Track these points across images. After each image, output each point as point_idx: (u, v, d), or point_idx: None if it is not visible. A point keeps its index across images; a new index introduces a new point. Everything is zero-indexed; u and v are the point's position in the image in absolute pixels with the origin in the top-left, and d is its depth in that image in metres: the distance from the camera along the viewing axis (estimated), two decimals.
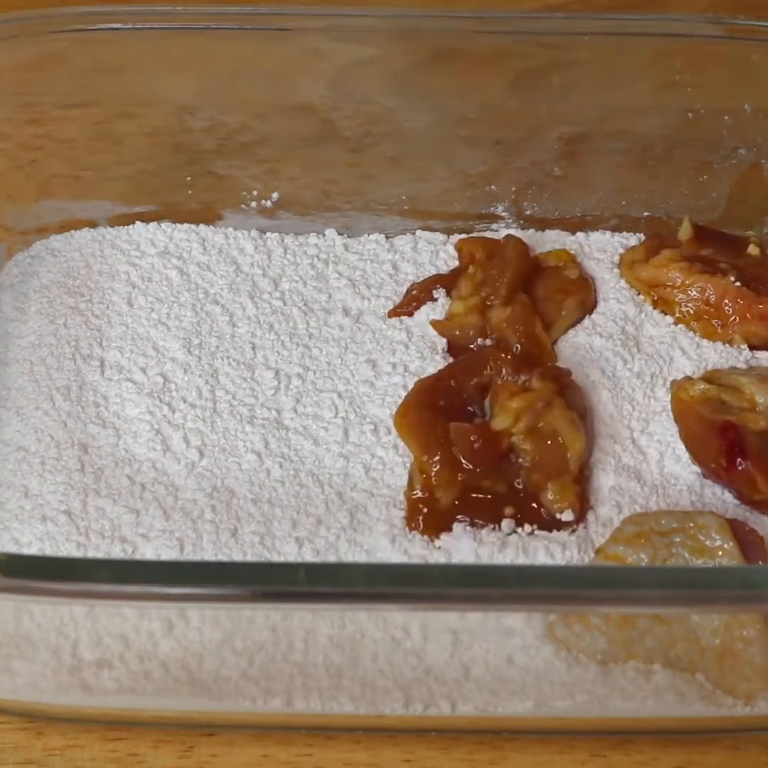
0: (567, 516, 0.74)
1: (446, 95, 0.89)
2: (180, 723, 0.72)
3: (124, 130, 0.90)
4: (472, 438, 0.75)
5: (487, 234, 0.91)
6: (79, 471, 0.77)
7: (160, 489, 0.76)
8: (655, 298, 0.85)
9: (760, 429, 0.75)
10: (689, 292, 0.84)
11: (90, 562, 0.67)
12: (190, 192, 0.92)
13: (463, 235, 0.90)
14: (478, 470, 0.75)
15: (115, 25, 0.84)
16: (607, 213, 0.91)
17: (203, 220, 0.91)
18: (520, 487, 0.75)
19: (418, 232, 0.91)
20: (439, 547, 0.73)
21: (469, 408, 0.78)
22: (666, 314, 0.85)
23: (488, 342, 0.83)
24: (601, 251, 0.90)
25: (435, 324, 0.84)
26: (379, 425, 0.79)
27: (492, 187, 0.91)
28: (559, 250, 0.88)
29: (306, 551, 0.73)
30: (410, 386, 0.79)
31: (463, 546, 0.72)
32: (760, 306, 0.82)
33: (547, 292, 0.85)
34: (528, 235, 0.90)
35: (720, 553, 0.69)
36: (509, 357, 0.79)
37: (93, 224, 0.91)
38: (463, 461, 0.75)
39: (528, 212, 0.92)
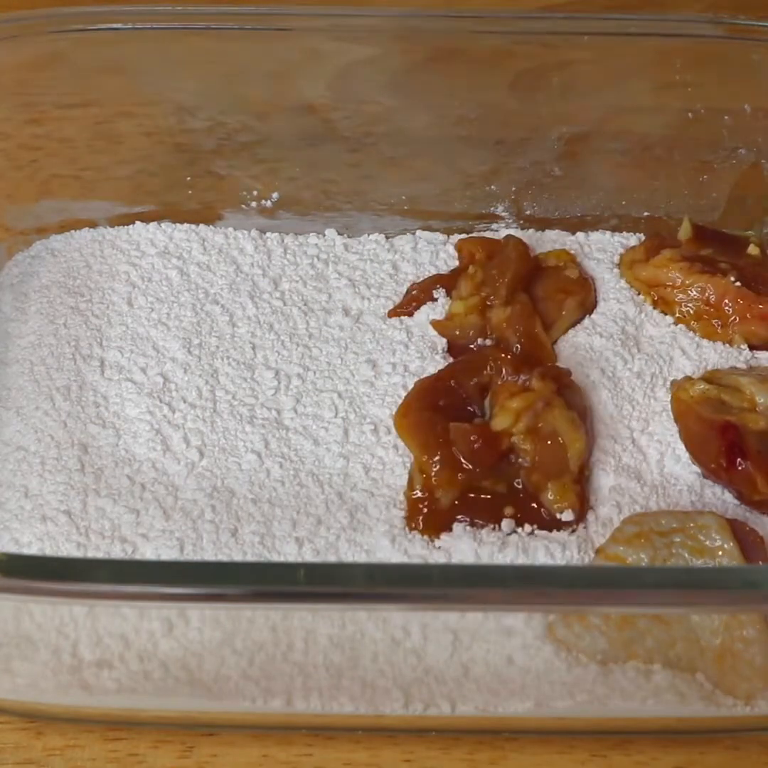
0: (567, 516, 0.74)
1: (446, 95, 0.89)
2: (180, 723, 0.72)
3: (124, 130, 0.90)
4: (472, 438, 0.75)
5: (487, 234, 0.91)
6: (79, 471, 0.77)
7: (160, 489, 0.76)
8: (655, 298, 0.85)
9: (760, 429, 0.75)
10: (689, 292, 0.84)
11: (90, 562, 0.67)
12: (190, 192, 0.92)
13: (463, 235, 0.90)
14: (478, 470, 0.75)
15: (115, 25, 0.84)
16: (607, 213, 0.91)
17: (203, 220, 0.91)
18: (520, 487, 0.75)
19: (418, 232, 0.91)
20: (439, 547, 0.73)
21: (469, 408, 0.78)
22: (666, 314, 0.85)
23: (488, 342, 0.83)
24: (601, 251, 0.90)
25: (435, 324, 0.84)
26: (379, 425, 0.79)
27: (492, 187, 0.91)
28: (559, 250, 0.88)
29: (306, 551, 0.73)
30: (410, 386, 0.79)
31: (463, 546, 0.72)
32: (760, 306, 0.82)
33: (547, 292, 0.85)
34: (528, 235, 0.90)
35: (720, 553, 0.69)
36: (509, 357, 0.78)
37: (93, 224, 0.91)
38: (463, 461, 0.75)
39: (528, 212, 0.92)
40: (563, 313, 0.84)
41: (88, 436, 0.78)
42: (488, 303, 0.83)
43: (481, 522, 0.74)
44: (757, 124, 0.88)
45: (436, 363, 0.82)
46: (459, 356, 0.82)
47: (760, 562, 0.71)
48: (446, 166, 0.91)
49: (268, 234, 0.91)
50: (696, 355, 0.83)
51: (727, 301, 0.83)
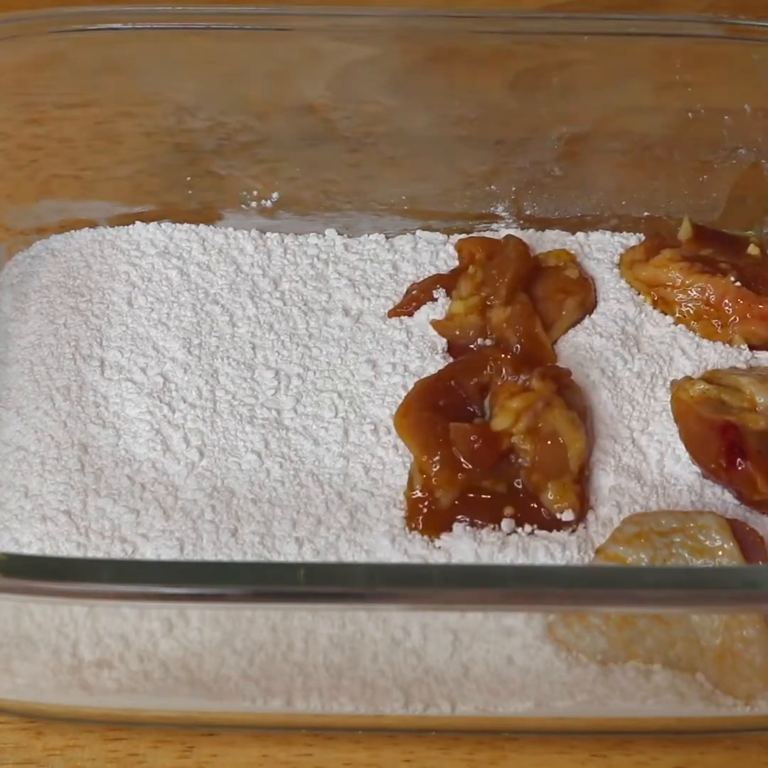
0: (567, 516, 0.74)
1: (446, 95, 0.89)
2: (180, 723, 0.72)
3: (124, 130, 0.90)
4: (472, 438, 0.75)
5: (487, 234, 0.91)
6: (79, 471, 0.76)
7: (160, 489, 0.76)
8: (655, 298, 0.85)
9: (760, 429, 0.75)
10: (689, 292, 0.84)
11: (90, 562, 0.67)
12: (190, 192, 0.92)
13: (463, 235, 0.90)
14: (478, 470, 0.75)
15: (115, 25, 0.84)
16: (607, 213, 0.91)
17: (203, 220, 0.91)
18: (520, 487, 0.75)
19: (418, 232, 0.91)
20: (439, 547, 0.73)
21: (469, 408, 0.78)
22: (666, 314, 0.85)
23: (488, 342, 0.83)
24: (601, 251, 0.90)
25: (435, 324, 0.84)
26: (379, 425, 0.79)
27: (492, 187, 0.91)
28: (559, 250, 0.88)
29: (306, 551, 0.73)
30: (410, 386, 0.79)
31: (463, 546, 0.72)
32: (760, 306, 0.82)
33: (547, 292, 0.85)
34: (528, 235, 0.90)
35: (720, 553, 0.69)
36: (509, 357, 0.78)
37: (93, 224, 0.91)
38: (463, 461, 0.75)
39: (528, 212, 0.92)
40: (563, 313, 0.84)
41: (88, 436, 0.78)
42: (488, 303, 0.83)
43: (481, 522, 0.74)
44: (757, 124, 0.88)
45: (436, 363, 0.82)
46: (459, 356, 0.82)
47: (760, 562, 0.71)
48: (446, 166, 0.91)
49: (268, 234, 0.91)
50: (696, 355, 0.83)
51: (727, 301, 0.83)
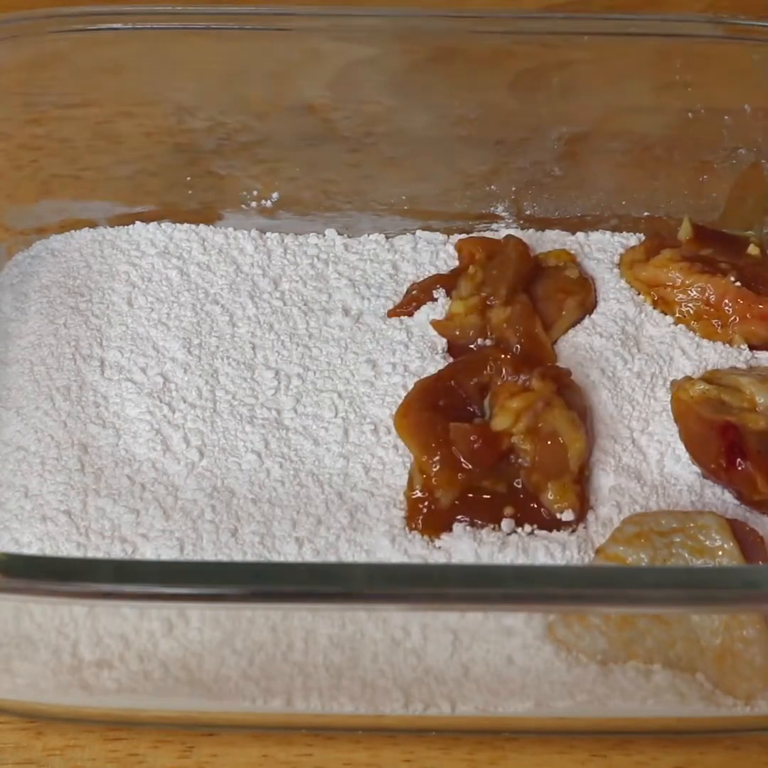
0: (567, 516, 0.74)
1: (446, 95, 0.89)
2: (180, 723, 0.72)
3: (124, 130, 0.90)
4: (472, 438, 0.75)
5: (487, 234, 0.91)
6: (79, 471, 0.76)
7: (160, 489, 0.76)
8: (655, 298, 0.85)
9: (760, 429, 0.75)
10: (689, 292, 0.84)
11: (90, 562, 0.67)
12: (190, 192, 0.92)
13: (463, 235, 0.90)
14: (478, 470, 0.75)
15: (115, 25, 0.84)
16: (607, 213, 0.91)
17: (203, 220, 0.91)
18: (520, 487, 0.75)
19: (418, 232, 0.91)
20: (439, 547, 0.73)
21: (469, 408, 0.78)
22: (666, 314, 0.85)
23: (488, 342, 0.83)
24: (601, 251, 0.90)
25: (435, 324, 0.84)
26: (379, 425, 0.79)
27: (492, 187, 0.91)
28: (559, 250, 0.88)
29: (306, 551, 0.73)
30: (410, 386, 0.79)
31: (463, 546, 0.72)
32: (760, 306, 0.82)
33: (547, 292, 0.85)
34: (528, 235, 0.90)
35: (720, 553, 0.69)
36: (509, 357, 0.78)
37: (93, 224, 0.91)
38: (463, 461, 0.75)
39: (528, 212, 0.92)
40: (563, 313, 0.84)
41: (88, 436, 0.78)
42: (488, 303, 0.83)
43: (481, 522, 0.74)
44: (757, 124, 0.88)
45: (436, 363, 0.82)
46: (459, 356, 0.82)
47: (760, 562, 0.71)
48: (446, 166, 0.91)
49: (268, 234, 0.91)
50: (696, 355, 0.83)
51: (727, 301, 0.83)
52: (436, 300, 0.85)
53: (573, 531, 0.74)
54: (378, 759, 0.71)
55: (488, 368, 0.79)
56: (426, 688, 0.68)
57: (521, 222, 0.92)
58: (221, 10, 0.87)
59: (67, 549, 0.73)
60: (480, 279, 0.84)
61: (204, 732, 0.72)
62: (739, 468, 0.74)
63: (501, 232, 0.91)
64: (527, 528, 0.74)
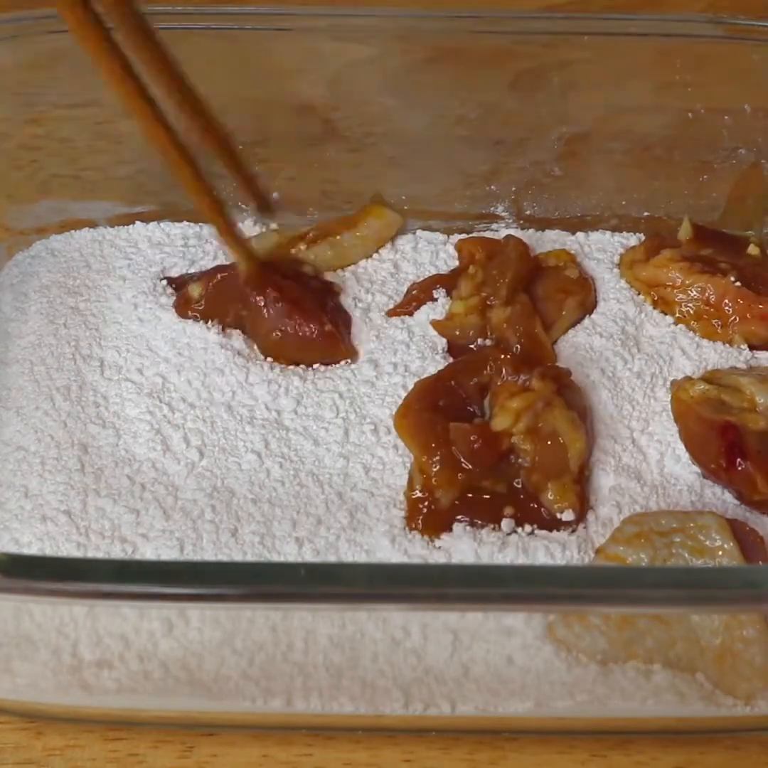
0: (567, 516, 0.74)
1: (446, 95, 0.89)
2: (180, 723, 0.72)
3: (124, 130, 0.90)
4: (472, 438, 0.75)
5: (487, 234, 0.91)
6: (79, 471, 0.76)
7: (160, 489, 0.76)
8: (655, 298, 0.85)
9: (760, 429, 0.75)
10: (689, 292, 0.84)
11: (90, 562, 0.67)
12: None
13: (463, 235, 0.90)
14: (478, 470, 0.75)
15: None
16: (607, 213, 0.91)
17: (203, 220, 0.91)
18: (520, 487, 0.75)
19: (419, 232, 0.91)
20: (439, 547, 0.73)
21: (469, 408, 0.78)
22: (666, 314, 0.85)
23: (488, 342, 0.83)
24: (601, 251, 0.90)
25: (435, 324, 0.84)
26: (379, 425, 0.79)
27: (492, 187, 0.91)
28: (559, 250, 0.88)
29: (306, 551, 0.73)
30: (410, 386, 0.79)
31: (463, 546, 0.72)
32: (760, 306, 0.82)
33: (547, 292, 0.85)
34: (528, 235, 0.90)
35: (720, 553, 0.69)
36: (509, 357, 0.78)
37: (93, 224, 0.91)
38: (463, 461, 0.75)
39: (528, 212, 0.92)
40: (563, 313, 0.84)
41: (88, 436, 0.78)
42: (488, 303, 0.83)
43: (481, 522, 0.74)
44: (757, 124, 0.88)
45: (436, 363, 0.82)
46: (459, 356, 0.82)
47: (760, 562, 0.71)
48: (446, 166, 0.91)
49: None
50: (696, 355, 0.83)
51: (727, 301, 0.83)
52: (436, 300, 0.85)
53: (573, 531, 0.74)
54: (378, 759, 0.71)
55: (488, 368, 0.79)
56: (426, 688, 0.68)
57: (521, 222, 0.92)
58: (221, 10, 0.87)
59: (67, 549, 0.73)
60: (480, 279, 0.84)
61: (204, 732, 0.72)
62: (739, 468, 0.74)
63: (501, 232, 0.91)
64: (527, 528, 0.74)
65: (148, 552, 0.73)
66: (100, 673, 0.68)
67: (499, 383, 0.78)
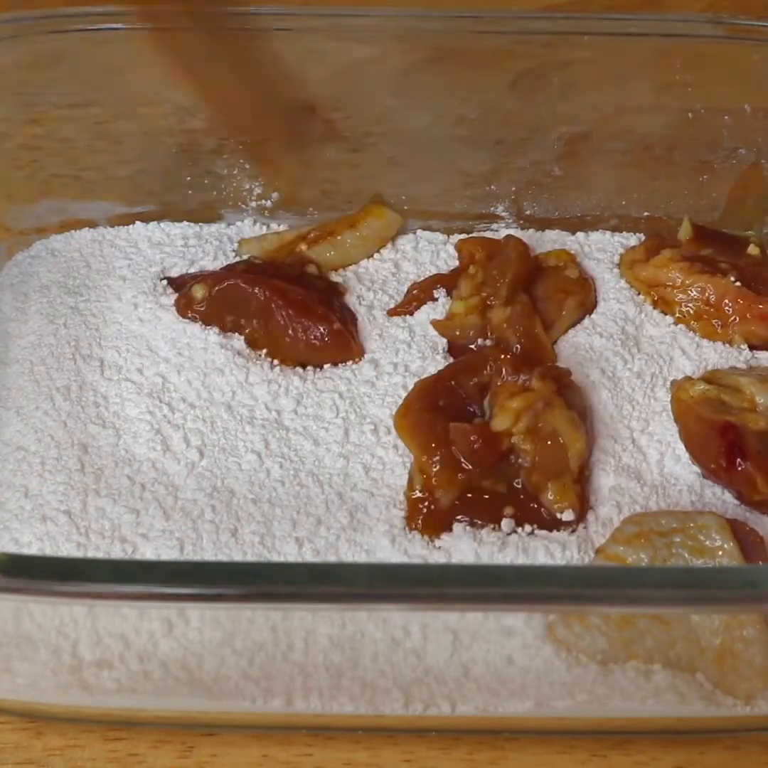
0: (567, 516, 0.74)
1: (446, 95, 0.89)
2: (180, 723, 0.72)
3: (124, 130, 0.90)
4: (472, 438, 0.75)
5: (487, 234, 0.91)
6: (79, 471, 0.76)
7: (160, 489, 0.76)
8: (655, 298, 0.85)
9: (760, 429, 0.75)
10: (689, 292, 0.84)
11: (90, 562, 0.67)
12: (189, 192, 0.92)
13: (463, 235, 0.90)
14: (478, 470, 0.75)
15: (115, 25, 0.84)
16: (607, 213, 0.91)
17: (203, 220, 0.91)
18: (520, 487, 0.75)
19: (419, 232, 0.91)
20: (439, 547, 0.73)
21: (469, 408, 0.78)
22: (666, 314, 0.85)
23: (488, 342, 0.83)
24: (601, 251, 0.90)
25: (435, 324, 0.84)
26: (379, 425, 0.79)
27: (492, 187, 0.91)
28: (559, 250, 0.88)
29: (306, 551, 0.73)
30: (410, 386, 0.79)
31: (463, 546, 0.72)
32: (760, 306, 0.82)
33: (547, 292, 0.85)
34: (528, 235, 0.90)
35: (720, 553, 0.69)
36: (509, 357, 0.78)
37: (93, 224, 0.91)
38: (463, 461, 0.75)
39: (528, 212, 0.92)
40: (563, 313, 0.84)
41: (88, 436, 0.78)
42: (489, 303, 0.83)
43: (481, 522, 0.74)
44: (757, 124, 0.88)
45: (436, 363, 0.82)
46: (459, 356, 0.82)
47: (760, 562, 0.71)
48: (446, 166, 0.91)
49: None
50: (696, 355, 0.83)
51: (727, 301, 0.83)
52: (436, 300, 0.85)
53: (573, 531, 0.74)
54: (378, 759, 0.71)
55: (488, 368, 0.79)
56: (426, 688, 0.68)
57: (521, 222, 0.92)
58: (221, 10, 0.87)
59: (67, 549, 0.73)
60: (480, 279, 0.84)
61: (204, 732, 0.72)
62: (739, 468, 0.74)
63: (501, 232, 0.91)
64: (527, 528, 0.74)
65: (148, 552, 0.73)
66: (100, 673, 0.68)
67: (499, 383, 0.78)
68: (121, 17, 0.84)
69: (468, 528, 0.73)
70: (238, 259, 0.88)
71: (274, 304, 0.81)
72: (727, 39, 0.85)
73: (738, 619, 0.67)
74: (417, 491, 0.75)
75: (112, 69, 0.87)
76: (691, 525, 0.70)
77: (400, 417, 0.77)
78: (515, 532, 0.73)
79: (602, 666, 0.68)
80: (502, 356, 0.79)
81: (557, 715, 0.69)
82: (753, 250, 0.87)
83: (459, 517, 0.74)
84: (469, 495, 0.74)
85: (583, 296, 0.85)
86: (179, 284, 0.86)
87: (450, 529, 0.73)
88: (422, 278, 0.87)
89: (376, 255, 0.89)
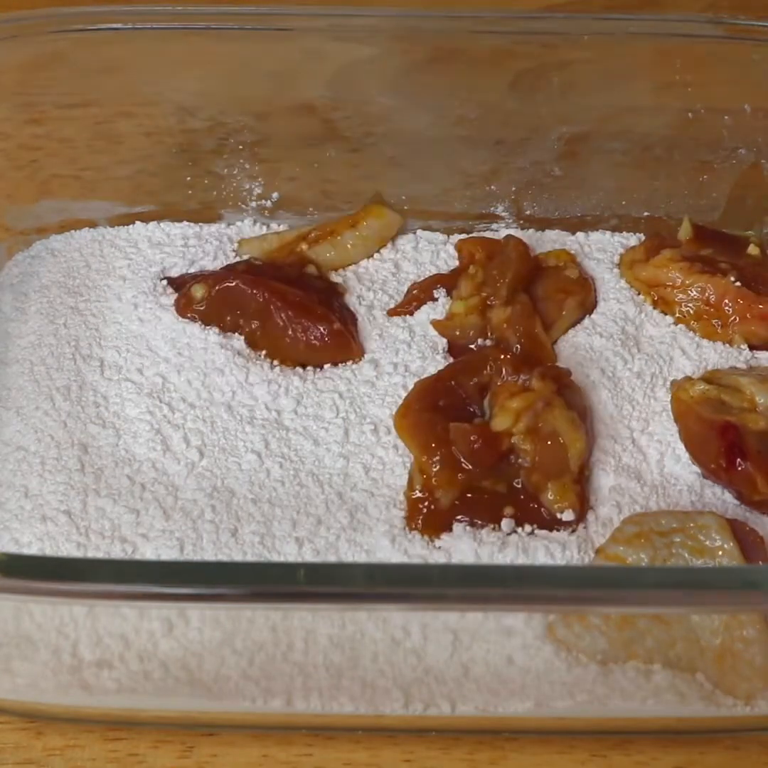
0: (567, 516, 0.74)
1: (446, 95, 0.89)
2: (180, 723, 0.72)
3: (124, 130, 0.90)
4: (472, 438, 0.75)
5: (487, 234, 0.91)
6: (79, 471, 0.76)
7: (160, 489, 0.76)
8: (655, 298, 0.85)
9: (760, 429, 0.75)
10: (689, 292, 0.84)
11: (90, 562, 0.67)
12: (189, 192, 0.92)
13: (463, 235, 0.90)
14: (478, 470, 0.75)
15: (115, 25, 0.84)
16: (607, 213, 0.91)
17: (203, 220, 0.91)
18: (520, 487, 0.75)
19: (419, 232, 0.91)
20: (439, 547, 0.73)
21: (469, 408, 0.78)
22: (666, 314, 0.85)
23: (488, 342, 0.83)
24: (601, 251, 0.90)
25: (435, 324, 0.84)
26: (379, 425, 0.79)
27: (492, 187, 0.91)
28: (559, 250, 0.88)
29: (306, 551, 0.73)
30: (410, 386, 0.79)
31: (463, 546, 0.72)
32: (760, 306, 0.82)
33: (547, 292, 0.85)
34: (528, 235, 0.90)
35: (720, 553, 0.69)
36: (509, 357, 0.78)
37: (93, 224, 0.91)
38: (463, 461, 0.75)
39: (528, 212, 0.92)
40: (563, 313, 0.84)
41: (88, 436, 0.78)
42: (489, 303, 0.83)
43: (481, 522, 0.74)
44: (757, 124, 0.88)
45: (436, 363, 0.82)
46: (459, 356, 0.82)
47: (760, 562, 0.71)
48: (446, 166, 0.91)
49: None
50: (696, 355, 0.83)
51: (727, 301, 0.83)
52: (436, 300, 0.85)
53: (573, 531, 0.74)
54: (378, 759, 0.71)
55: (488, 368, 0.79)
56: (426, 688, 0.68)
57: (521, 222, 0.92)
58: (221, 10, 0.87)
59: (67, 549, 0.73)
60: (480, 279, 0.84)
61: (204, 732, 0.72)
62: (739, 468, 0.74)
63: (501, 232, 0.91)
64: (527, 528, 0.74)
65: (148, 552, 0.73)
66: (100, 673, 0.68)
67: (499, 383, 0.78)
68: (121, 17, 0.84)
69: (468, 528, 0.73)
70: (238, 259, 0.88)
71: (273, 306, 0.81)
72: (727, 39, 0.85)
73: (738, 619, 0.67)
74: (417, 491, 0.75)
75: (112, 69, 0.87)
76: (691, 525, 0.70)
77: (400, 417, 0.77)
78: (515, 532, 0.73)
79: (602, 666, 0.68)
80: (502, 356, 0.79)
81: (557, 715, 0.69)
82: (753, 250, 0.87)
83: (459, 517, 0.74)
84: (469, 495, 0.74)
85: (583, 296, 0.85)
86: (179, 284, 0.86)
87: (450, 529, 0.73)
88: (422, 278, 0.87)
89: (376, 255, 0.89)
